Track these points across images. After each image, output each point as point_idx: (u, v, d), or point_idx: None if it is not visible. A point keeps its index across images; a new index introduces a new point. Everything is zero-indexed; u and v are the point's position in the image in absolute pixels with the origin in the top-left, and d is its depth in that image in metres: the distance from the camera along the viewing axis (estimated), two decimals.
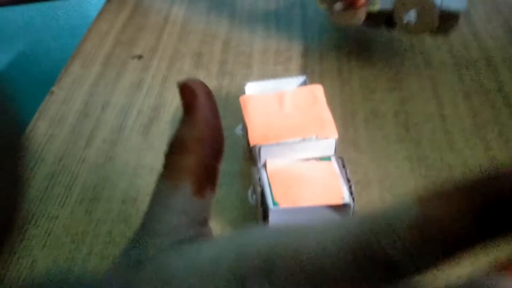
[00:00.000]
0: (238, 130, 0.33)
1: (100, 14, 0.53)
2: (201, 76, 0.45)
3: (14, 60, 0.57)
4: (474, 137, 0.38)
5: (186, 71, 0.46)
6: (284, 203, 0.28)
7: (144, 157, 0.37)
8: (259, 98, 0.33)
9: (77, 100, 0.42)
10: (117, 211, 0.34)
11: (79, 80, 0.44)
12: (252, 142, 0.30)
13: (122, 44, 0.48)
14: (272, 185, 0.29)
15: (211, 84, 0.44)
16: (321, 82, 0.43)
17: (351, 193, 0.29)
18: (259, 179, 0.30)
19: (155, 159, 0.37)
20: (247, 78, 0.45)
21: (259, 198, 0.29)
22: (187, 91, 0.19)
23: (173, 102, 0.42)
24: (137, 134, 0.39)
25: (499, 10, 0.53)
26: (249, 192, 0.32)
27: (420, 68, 0.45)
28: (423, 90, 0.43)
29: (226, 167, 0.36)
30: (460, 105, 0.41)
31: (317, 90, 0.34)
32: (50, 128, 0.40)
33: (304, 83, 0.36)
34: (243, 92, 0.36)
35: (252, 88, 0.36)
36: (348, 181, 0.30)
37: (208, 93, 0.19)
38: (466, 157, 0.37)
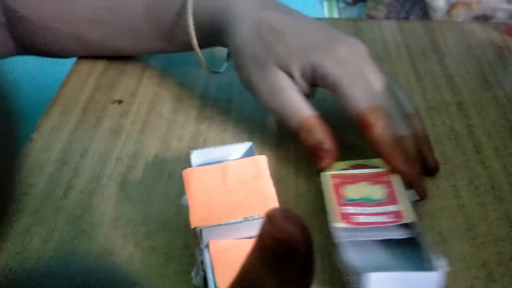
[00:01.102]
0: (183, 200, 0.33)
1: (80, 56, 0.53)
2: (180, 121, 0.46)
3: None
4: (444, 185, 0.39)
5: (165, 116, 0.46)
6: None
7: (120, 208, 0.38)
8: (202, 171, 0.33)
9: (56, 148, 0.43)
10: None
11: (59, 126, 0.45)
12: (193, 224, 0.31)
13: (103, 88, 0.49)
14: (215, 268, 0.29)
15: (190, 129, 0.45)
16: None
17: None
18: (202, 262, 0.30)
19: (131, 210, 0.38)
20: (225, 123, 0.45)
21: (202, 282, 0.30)
22: (282, 239, 0.15)
23: (151, 150, 0.43)
24: (115, 184, 0.40)
25: (472, 51, 0.54)
26: (193, 273, 0.31)
27: None
28: None
29: (173, 238, 0.36)
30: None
31: (261, 161, 0.34)
32: (28, 177, 0.40)
33: (251, 150, 0.36)
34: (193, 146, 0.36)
35: (198, 156, 0.36)
36: None
37: (310, 245, 0.15)
38: (436, 207, 0.37)
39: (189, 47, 0.45)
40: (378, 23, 0.63)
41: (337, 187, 0.35)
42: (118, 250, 0.35)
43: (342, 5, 1.10)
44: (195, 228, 0.31)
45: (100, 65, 0.52)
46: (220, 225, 0.30)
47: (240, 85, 0.42)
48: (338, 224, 0.32)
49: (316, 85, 0.40)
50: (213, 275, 0.29)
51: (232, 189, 0.32)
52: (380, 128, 0.35)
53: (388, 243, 0.32)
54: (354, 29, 0.59)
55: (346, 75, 0.37)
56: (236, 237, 0.31)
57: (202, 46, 0.45)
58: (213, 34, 0.44)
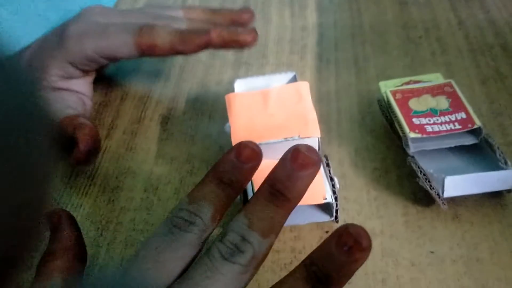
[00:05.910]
0: (227, 127, 0.33)
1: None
2: (217, 65, 0.45)
3: None
4: (491, 124, 0.38)
5: (203, 60, 0.46)
6: None
7: (163, 147, 0.38)
8: (244, 96, 0.33)
9: (96, 91, 0.43)
10: (139, 200, 0.35)
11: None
12: (235, 143, 0.30)
13: None
14: (254, 183, 0.29)
15: (228, 74, 0.44)
16: (336, 71, 0.44)
17: (334, 192, 0.30)
18: None
19: (174, 149, 0.38)
20: (263, 67, 0.45)
21: (241, 196, 0.30)
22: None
23: (190, 93, 0.43)
24: (156, 124, 0.40)
25: None
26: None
27: (435, 55, 0.45)
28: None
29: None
30: (476, 91, 0.41)
31: (303, 87, 0.33)
32: None
33: (294, 79, 0.35)
34: (232, 89, 0.36)
35: (241, 85, 0.35)
36: (331, 179, 0.30)
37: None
38: None
39: None
40: None
41: (401, 101, 0.35)
42: (163, 185, 0.35)
43: None
44: None
45: None
46: (260, 144, 0.29)
47: (276, 29, 0.41)
48: (412, 135, 0.32)
49: None
50: (253, 189, 0.30)
51: (274, 113, 0.32)
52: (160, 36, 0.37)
53: (456, 150, 0.33)
54: None
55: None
56: (276, 157, 0.30)
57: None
58: None
